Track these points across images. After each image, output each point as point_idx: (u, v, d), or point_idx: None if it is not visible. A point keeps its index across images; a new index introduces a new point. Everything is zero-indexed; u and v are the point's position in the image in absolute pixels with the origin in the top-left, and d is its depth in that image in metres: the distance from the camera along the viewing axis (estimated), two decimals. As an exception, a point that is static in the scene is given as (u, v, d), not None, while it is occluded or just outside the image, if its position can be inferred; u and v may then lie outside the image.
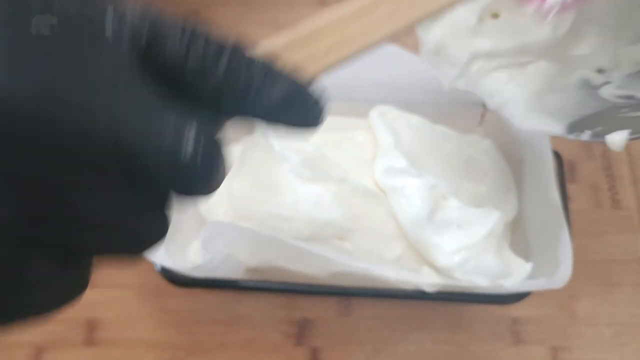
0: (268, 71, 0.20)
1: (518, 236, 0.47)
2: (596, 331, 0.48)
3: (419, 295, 0.41)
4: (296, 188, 0.44)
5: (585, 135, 0.36)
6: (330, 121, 0.49)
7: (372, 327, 0.47)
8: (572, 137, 0.36)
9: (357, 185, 0.44)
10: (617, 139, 0.35)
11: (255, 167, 0.46)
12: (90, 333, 0.47)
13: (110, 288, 0.49)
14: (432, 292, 0.41)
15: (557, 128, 0.37)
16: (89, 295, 0.51)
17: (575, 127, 0.37)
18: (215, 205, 0.47)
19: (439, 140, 0.47)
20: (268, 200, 0.44)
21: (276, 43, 0.25)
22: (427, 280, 0.40)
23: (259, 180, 0.46)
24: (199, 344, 0.47)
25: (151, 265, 0.42)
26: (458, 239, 0.42)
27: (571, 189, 0.52)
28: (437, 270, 0.43)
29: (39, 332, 0.47)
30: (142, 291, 0.49)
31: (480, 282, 0.41)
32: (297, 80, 0.21)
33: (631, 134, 0.34)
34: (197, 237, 0.46)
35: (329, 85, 0.54)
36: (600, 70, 0.40)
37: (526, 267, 0.42)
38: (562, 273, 0.40)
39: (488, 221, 0.42)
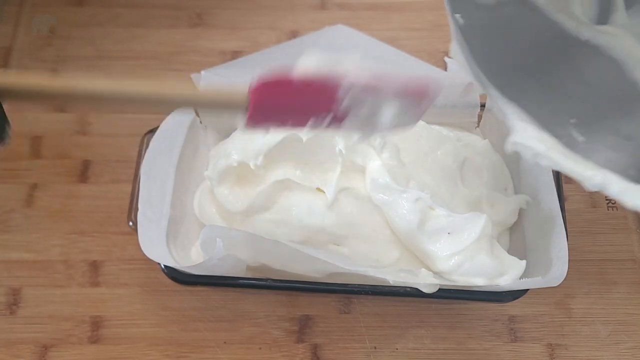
0: None
1: (515, 235, 0.48)
2: (592, 329, 0.48)
3: (417, 294, 0.42)
4: (292, 194, 0.45)
5: None
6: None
7: (372, 325, 0.48)
8: None
9: (352, 191, 0.44)
10: None
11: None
12: (95, 331, 0.48)
13: (114, 287, 0.50)
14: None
15: None
16: (93, 293, 0.52)
17: None
18: (208, 208, 0.47)
19: (435, 143, 0.47)
20: (263, 205, 0.45)
21: None
22: (425, 282, 0.41)
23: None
24: (201, 341, 0.47)
25: (155, 264, 0.43)
26: (450, 245, 0.42)
27: (567, 188, 0.53)
28: (435, 273, 0.43)
29: (44, 330, 0.48)
30: (146, 289, 0.49)
31: (477, 282, 0.42)
32: None
33: None
34: (199, 237, 0.47)
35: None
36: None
37: (521, 264, 0.43)
38: (558, 271, 0.41)
39: (477, 225, 0.42)
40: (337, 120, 0.32)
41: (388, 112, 0.32)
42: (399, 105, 0.32)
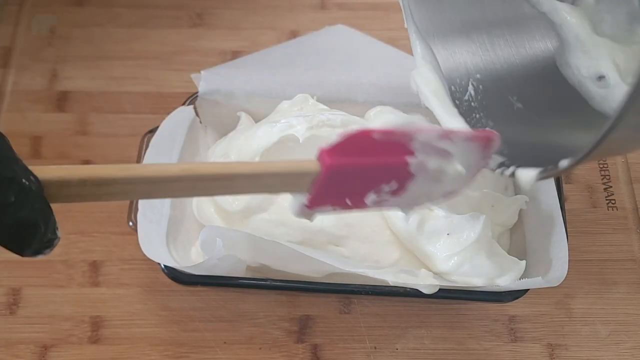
0: None
1: (515, 235, 0.48)
2: (592, 329, 0.48)
3: (417, 294, 0.42)
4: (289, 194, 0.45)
5: (508, 172, 0.35)
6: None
7: (372, 325, 0.48)
8: (498, 171, 0.35)
9: None
10: (527, 175, 0.33)
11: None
12: (95, 331, 0.48)
13: (114, 287, 0.50)
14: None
15: (489, 164, 0.36)
16: (93, 293, 0.52)
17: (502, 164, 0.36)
18: (206, 208, 0.47)
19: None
20: (261, 205, 0.45)
21: None
22: (425, 282, 0.41)
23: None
24: (202, 341, 0.47)
25: (155, 264, 0.43)
26: (450, 246, 0.42)
27: (567, 189, 0.53)
28: (435, 274, 0.43)
29: (44, 330, 0.48)
30: (146, 290, 0.49)
31: (477, 283, 0.42)
32: None
33: (541, 172, 0.32)
34: (199, 237, 0.47)
35: (329, 86, 0.55)
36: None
37: (521, 265, 0.43)
38: (558, 272, 0.41)
39: (476, 225, 0.42)
40: (401, 186, 0.31)
41: (455, 166, 0.32)
42: (466, 154, 0.32)
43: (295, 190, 0.29)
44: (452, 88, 0.41)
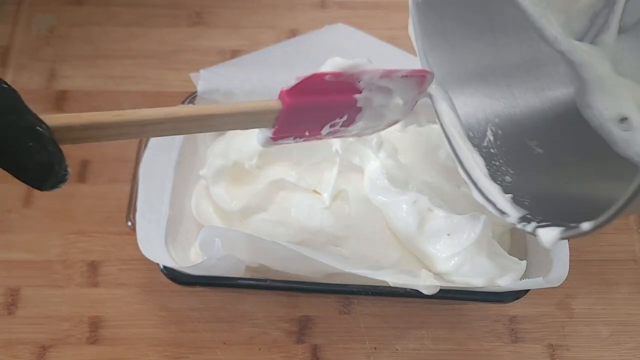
0: None
1: (516, 235, 0.47)
2: (593, 330, 0.48)
3: (418, 294, 0.41)
4: (290, 195, 0.45)
5: (530, 227, 0.33)
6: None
7: (372, 325, 0.48)
8: (519, 226, 0.34)
9: (350, 193, 0.44)
10: (548, 235, 0.32)
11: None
12: (94, 331, 0.48)
13: (113, 287, 0.49)
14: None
15: (511, 217, 0.35)
16: (92, 294, 0.52)
17: (526, 218, 0.34)
18: (205, 208, 0.47)
19: (436, 142, 0.47)
20: (260, 205, 0.45)
21: None
22: (425, 283, 0.41)
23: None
24: (201, 342, 0.47)
25: (154, 264, 0.43)
26: (450, 246, 0.42)
27: (569, 189, 0.53)
28: (435, 274, 0.43)
29: (42, 330, 0.48)
30: (144, 290, 0.49)
31: (477, 283, 0.41)
32: None
33: (563, 232, 0.31)
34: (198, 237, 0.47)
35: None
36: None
37: (521, 265, 0.43)
38: (559, 272, 0.41)
39: (477, 225, 0.42)
40: (351, 118, 0.36)
41: (395, 99, 0.37)
42: (404, 89, 0.37)
43: (262, 125, 0.34)
44: (470, 134, 0.40)
